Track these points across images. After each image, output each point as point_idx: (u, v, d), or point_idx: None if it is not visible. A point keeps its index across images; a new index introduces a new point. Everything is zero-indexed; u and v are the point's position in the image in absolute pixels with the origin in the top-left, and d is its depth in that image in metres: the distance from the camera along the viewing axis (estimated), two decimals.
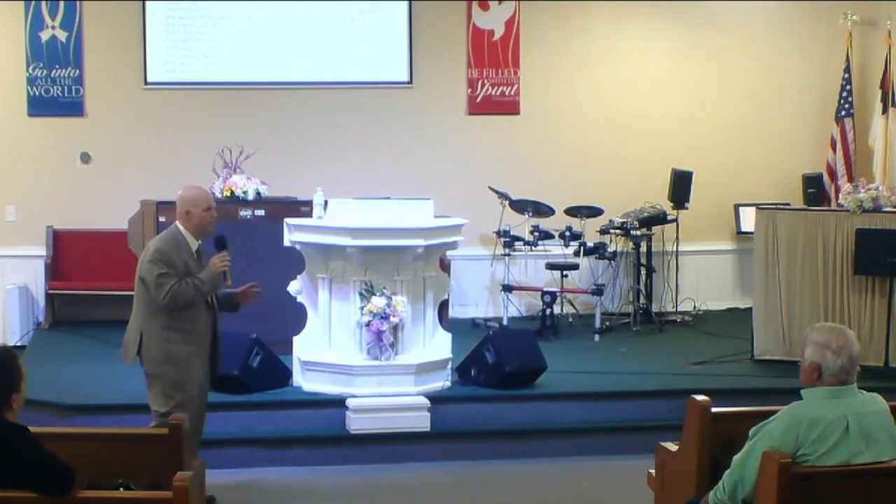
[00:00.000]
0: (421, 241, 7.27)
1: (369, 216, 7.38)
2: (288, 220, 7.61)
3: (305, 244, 7.46)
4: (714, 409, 4.77)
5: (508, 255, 9.86)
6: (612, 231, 9.96)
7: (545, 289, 9.76)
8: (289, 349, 7.59)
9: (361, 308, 7.21)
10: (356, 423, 7.13)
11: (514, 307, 10.08)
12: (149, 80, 10.28)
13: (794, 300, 8.29)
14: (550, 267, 10.00)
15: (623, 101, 10.89)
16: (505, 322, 9.72)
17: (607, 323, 9.82)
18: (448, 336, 7.69)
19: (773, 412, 4.11)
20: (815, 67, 11.14)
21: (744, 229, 10.67)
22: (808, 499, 3.92)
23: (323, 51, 10.52)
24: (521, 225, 9.92)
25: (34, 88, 10.11)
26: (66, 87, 10.15)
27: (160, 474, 4.29)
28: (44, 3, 10.07)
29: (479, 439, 7.33)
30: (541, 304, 9.61)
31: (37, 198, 10.15)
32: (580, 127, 10.82)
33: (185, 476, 3.85)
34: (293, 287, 7.56)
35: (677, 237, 10.54)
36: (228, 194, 8.59)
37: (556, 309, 9.71)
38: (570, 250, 9.66)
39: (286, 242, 7.54)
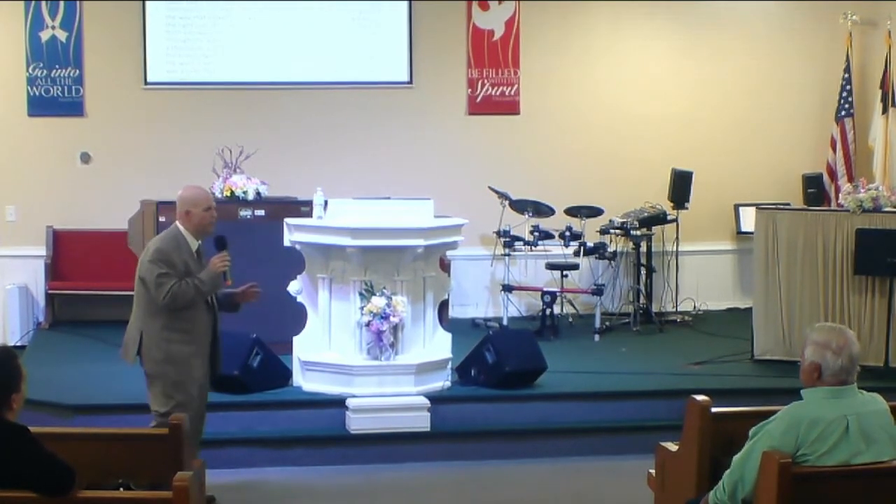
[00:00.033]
0: (421, 241, 7.27)
1: (369, 216, 7.37)
2: (288, 220, 7.60)
3: (305, 244, 7.46)
4: (714, 409, 4.76)
5: (508, 255, 9.86)
6: (612, 231, 9.96)
7: (545, 289, 9.76)
8: (289, 349, 7.59)
9: (361, 308, 7.21)
10: (356, 423, 7.13)
11: (514, 307, 10.07)
12: (149, 80, 10.28)
13: (794, 300, 8.28)
14: (550, 267, 10.00)
15: (623, 101, 10.88)
16: (505, 322, 9.71)
17: (607, 323, 9.82)
18: (448, 336, 7.69)
19: (773, 412, 4.10)
20: (815, 67, 11.14)
21: (744, 229, 10.67)
22: (808, 499, 3.92)
23: (323, 51, 10.52)
24: (521, 225, 9.92)
25: (34, 88, 10.10)
26: (66, 87, 10.14)
27: (160, 474, 4.29)
28: (44, 3, 10.06)
29: (479, 439, 7.32)
30: (541, 304, 9.61)
31: (37, 198, 10.14)
32: (580, 127, 10.82)
33: (185, 476, 3.85)
34: (293, 287, 7.55)
35: (677, 237, 10.53)
36: (228, 194, 8.59)
37: (556, 309, 9.71)
38: (570, 250, 9.66)
39: (286, 242, 7.54)
